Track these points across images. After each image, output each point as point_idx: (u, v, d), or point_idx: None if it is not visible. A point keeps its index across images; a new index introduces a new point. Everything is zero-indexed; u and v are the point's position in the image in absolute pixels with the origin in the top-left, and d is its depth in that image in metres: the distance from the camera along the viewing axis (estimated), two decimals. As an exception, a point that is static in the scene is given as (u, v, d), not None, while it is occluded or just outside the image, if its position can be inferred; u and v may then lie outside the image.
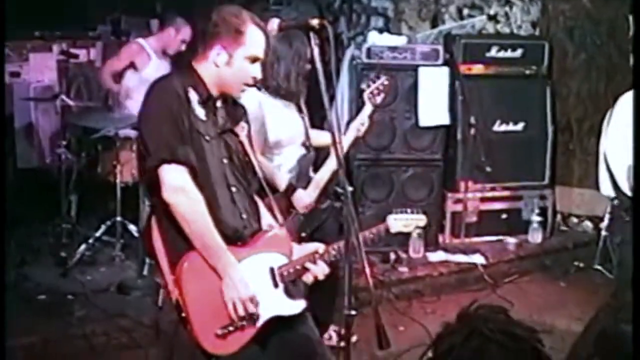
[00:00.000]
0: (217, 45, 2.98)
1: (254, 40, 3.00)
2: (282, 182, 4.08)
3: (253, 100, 3.86)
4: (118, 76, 6.29)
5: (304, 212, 4.14)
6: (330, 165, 4.22)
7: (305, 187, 4.18)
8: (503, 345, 1.61)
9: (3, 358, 3.33)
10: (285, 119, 4.19)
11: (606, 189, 4.45)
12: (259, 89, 4.04)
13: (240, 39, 2.97)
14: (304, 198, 4.13)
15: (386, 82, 4.57)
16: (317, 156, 4.38)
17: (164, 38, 6.36)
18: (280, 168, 4.17)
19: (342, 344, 2.94)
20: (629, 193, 4.03)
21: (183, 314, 2.84)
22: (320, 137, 4.41)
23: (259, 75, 3.06)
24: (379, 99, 4.54)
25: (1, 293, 3.29)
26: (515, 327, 1.68)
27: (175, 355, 3.02)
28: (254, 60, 3.02)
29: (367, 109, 4.51)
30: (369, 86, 4.58)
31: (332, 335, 4.54)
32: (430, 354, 1.71)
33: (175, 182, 2.83)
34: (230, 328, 2.89)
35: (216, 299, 2.88)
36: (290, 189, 4.08)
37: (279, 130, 4.13)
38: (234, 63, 2.99)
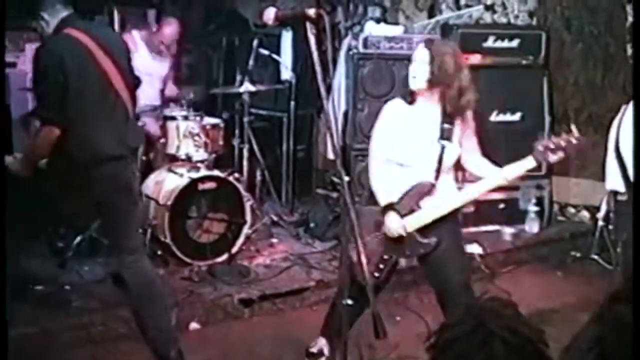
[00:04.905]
0: None
1: None
2: None
3: None
4: None
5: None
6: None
7: None
8: (507, 342, 1.58)
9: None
10: None
11: (613, 183, 4.41)
12: None
13: None
14: None
15: (576, 141, 3.56)
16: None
17: (156, 36, 6.62)
18: None
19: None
20: None
21: None
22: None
23: None
24: (552, 158, 3.62)
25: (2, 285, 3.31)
26: (522, 326, 1.65)
27: None
28: None
29: (528, 163, 3.60)
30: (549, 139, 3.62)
31: None
32: (432, 341, 1.70)
33: None
34: None
35: None
36: None
37: None
38: None
